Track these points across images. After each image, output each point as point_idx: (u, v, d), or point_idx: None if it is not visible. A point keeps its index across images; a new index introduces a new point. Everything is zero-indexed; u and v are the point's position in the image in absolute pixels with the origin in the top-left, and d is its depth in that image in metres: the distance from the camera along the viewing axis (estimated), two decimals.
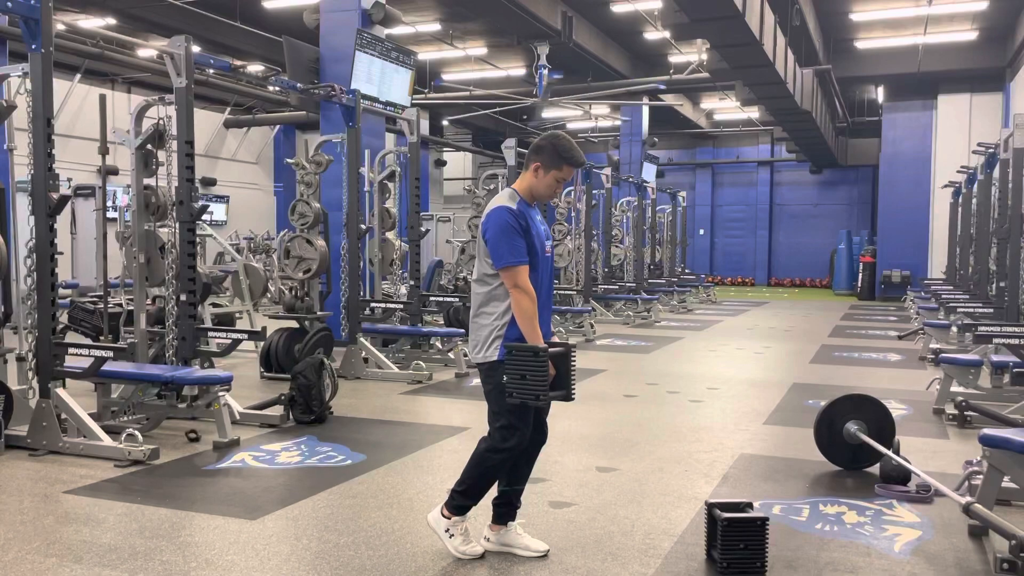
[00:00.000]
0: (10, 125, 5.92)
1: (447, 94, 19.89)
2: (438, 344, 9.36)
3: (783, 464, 5.25)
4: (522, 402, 3.38)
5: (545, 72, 15.36)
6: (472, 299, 3.65)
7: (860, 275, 22.27)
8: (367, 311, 9.03)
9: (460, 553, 3.59)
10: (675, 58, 18.12)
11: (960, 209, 15.42)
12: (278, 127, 23.15)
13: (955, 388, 6.74)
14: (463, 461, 5.22)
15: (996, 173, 10.67)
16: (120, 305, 7.93)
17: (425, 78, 18.89)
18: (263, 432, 5.98)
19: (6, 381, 5.62)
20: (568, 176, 3.62)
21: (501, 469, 3.60)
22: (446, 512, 3.64)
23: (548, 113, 24.27)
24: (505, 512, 3.68)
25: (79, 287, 12.18)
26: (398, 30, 13.61)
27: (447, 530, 3.62)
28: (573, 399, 3.53)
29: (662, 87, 18.14)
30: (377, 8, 10.36)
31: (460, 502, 3.62)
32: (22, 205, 5.70)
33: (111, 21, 14.70)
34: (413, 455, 5.38)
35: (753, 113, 23.46)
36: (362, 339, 8.41)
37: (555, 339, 3.60)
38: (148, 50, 15.75)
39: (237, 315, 10.81)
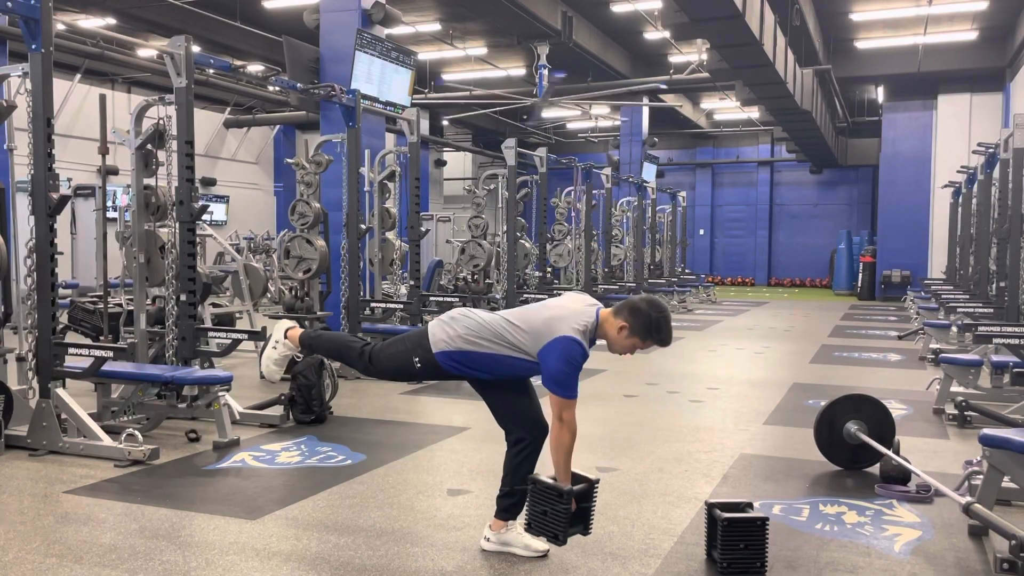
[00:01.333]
0: (10, 125, 5.92)
1: (447, 94, 19.89)
2: None
3: (783, 464, 5.25)
4: (539, 536, 3.45)
5: (545, 72, 15.36)
6: (487, 319, 3.57)
7: (860, 275, 22.27)
8: (367, 311, 9.03)
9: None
10: (675, 58, 18.12)
11: (960, 209, 15.41)
12: (278, 127, 23.15)
13: (955, 388, 6.74)
14: (463, 461, 5.26)
15: (996, 173, 10.67)
16: (120, 305, 7.93)
17: (425, 78, 18.89)
18: (263, 432, 5.99)
19: (6, 381, 5.62)
20: (647, 348, 3.57)
21: (348, 364, 3.89)
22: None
23: (548, 113, 24.26)
24: (509, 508, 3.67)
25: (79, 287, 12.17)
26: (398, 30, 13.61)
27: (276, 342, 3.85)
28: (589, 534, 3.56)
29: (663, 87, 18.14)
30: (377, 8, 10.36)
31: (310, 343, 3.92)
32: (22, 205, 5.70)
33: (111, 21, 14.70)
34: (413, 455, 5.38)
35: (753, 113, 23.46)
36: None
37: (580, 472, 3.54)
38: (148, 50, 15.76)
39: (237, 315, 10.81)
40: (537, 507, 3.40)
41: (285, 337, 3.90)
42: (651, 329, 3.49)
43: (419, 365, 3.61)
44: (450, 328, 3.58)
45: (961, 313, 10.06)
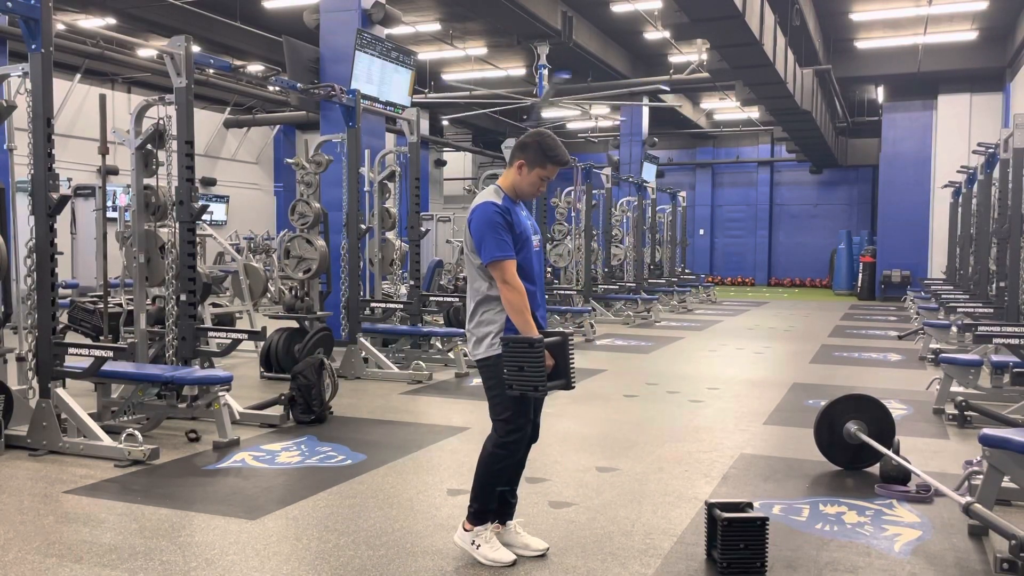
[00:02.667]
0: (10, 125, 5.92)
1: (447, 94, 19.89)
2: (438, 344, 9.36)
3: (783, 464, 5.25)
4: (522, 394, 3.37)
5: (545, 72, 15.35)
6: (467, 296, 3.65)
7: (860, 275, 22.27)
8: (367, 311, 9.03)
9: (490, 561, 3.53)
10: (675, 58, 18.12)
11: (960, 209, 15.42)
12: (278, 127, 23.15)
13: (955, 388, 6.74)
14: (463, 461, 5.26)
15: (996, 173, 10.67)
16: (120, 305, 7.94)
17: (425, 78, 18.89)
18: (263, 432, 5.98)
19: (6, 381, 5.62)
20: (552, 175, 3.60)
21: (509, 466, 3.58)
22: (467, 525, 3.64)
23: (549, 113, 24.27)
24: (502, 511, 3.66)
25: (79, 287, 12.18)
26: (398, 30, 13.61)
27: (473, 542, 3.58)
28: (573, 387, 3.53)
29: (665, 88, 18.12)
30: (377, 8, 10.36)
31: (477, 508, 3.60)
32: (22, 205, 5.70)
33: (111, 21, 14.70)
34: (413, 455, 5.38)
35: (753, 113, 23.46)
36: (362, 339, 8.41)
37: (551, 331, 3.58)
38: (148, 50, 15.76)
39: (237, 315, 10.81)
40: (513, 367, 3.35)
41: (467, 532, 3.62)
42: (543, 151, 3.54)
43: (520, 368, 3.38)
44: (478, 331, 3.54)
45: (961, 313, 10.06)
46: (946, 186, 17.39)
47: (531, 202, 14.64)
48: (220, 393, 5.64)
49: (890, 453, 4.79)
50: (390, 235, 10.23)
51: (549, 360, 3.39)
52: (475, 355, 3.59)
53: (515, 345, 3.37)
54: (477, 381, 8.14)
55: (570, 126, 26.96)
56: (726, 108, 24.14)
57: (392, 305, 9.35)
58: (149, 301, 6.92)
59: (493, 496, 3.59)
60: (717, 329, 13.72)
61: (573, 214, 15.34)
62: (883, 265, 21.03)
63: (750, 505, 3.63)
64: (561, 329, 3.56)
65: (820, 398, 6.76)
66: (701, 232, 28.49)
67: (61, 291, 6.10)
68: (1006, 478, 3.99)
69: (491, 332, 3.51)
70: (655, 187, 20.17)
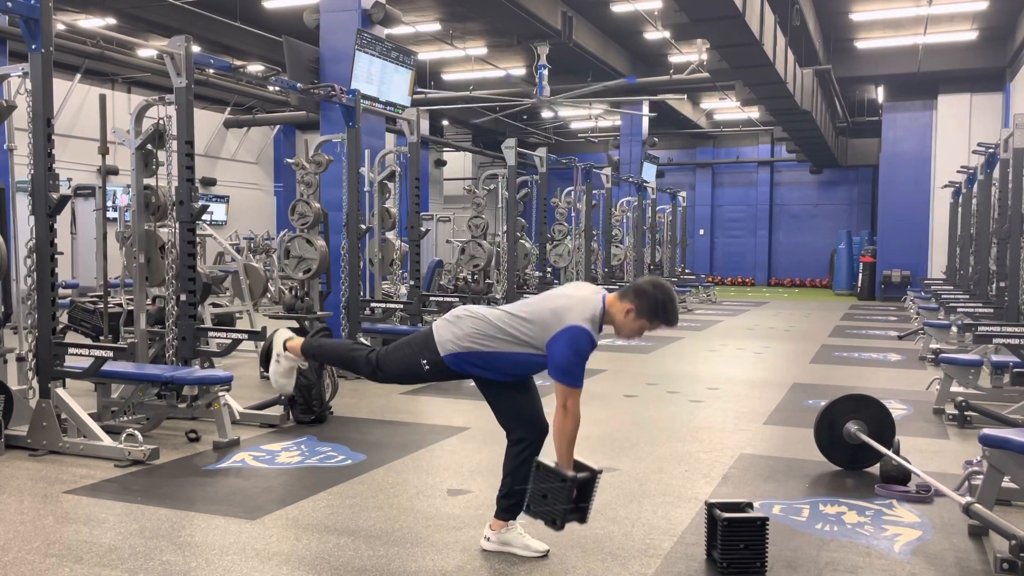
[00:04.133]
0: (10, 125, 5.92)
1: (447, 94, 19.89)
2: None
3: (783, 464, 5.25)
4: (536, 518, 3.46)
5: (545, 72, 15.35)
6: (509, 320, 3.53)
7: (860, 275, 22.27)
8: (367, 311, 9.02)
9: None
10: (675, 58, 18.11)
11: (960, 209, 15.42)
12: (278, 127, 23.15)
13: (955, 388, 6.74)
14: (463, 461, 5.26)
15: (996, 173, 10.67)
16: (120, 305, 7.93)
17: (425, 78, 18.88)
18: (263, 432, 5.98)
19: (6, 381, 5.62)
20: (655, 330, 3.56)
21: (356, 372, 3.84)
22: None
23: (549, 113, 24.26)
24: (509, 508, 3.66)
25: (79, 287, 12.17)
26: (398, 30, 13.60)
27: (278, 356, 3.83)
28: (586, 523, 3.56)
29: (651, 97, 18.10)
30: (377, 8, 10.36)
31: (313, 352, 3.87)
32: (22, 205, 5.70)
33: (111, 21, 14.70)
34: (413, 455, 5.38)
35: (753, 113, 23.45)
36: (362, 339, 8.41)
37: (584, 461, 3.54)
38: (148, 50, 15.76)
39: (237, 315, 10.81)
40: (538, 489, 3.39)
41: (285, 349, 3.90)
42: (658, 310, 3.49)
43: (427, 367, 3.59)
44: (456, 328, 3.56)
45: (961, 313, 10.06)
46: (946, 186, 17.39)
47: (534, 207, 14.67)
48: (220, 393, 5.64)
49: (890, 453, 4.79)
50: (390, 235, 10.23)
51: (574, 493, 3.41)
52: (437, 327, 3.60)
53: (546, 474, 3.38)
54: None
55: (570, 126, 26.95)
56: (726, 108, 24.13)
57: (392, 305, 9.35)
58: (149, 301, 6.92)
59: (326, 362, 3.93)
60: (717, 329, 13.72)
61: (573, 214, 15.34)
62: (883, 265, 21.03)
63: (750, 505, 3.63)
64: (592, 465, 3.52)
65: (820, 398, 6.76)
66: (701, 232, 28.49)
67: (61, 291, 6.10)
68: (1006, 478, 3.99)
69: (465, 344, 3.51)
70: (655, 187, 20.17)
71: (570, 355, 3.39)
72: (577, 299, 3.50)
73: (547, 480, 3.38)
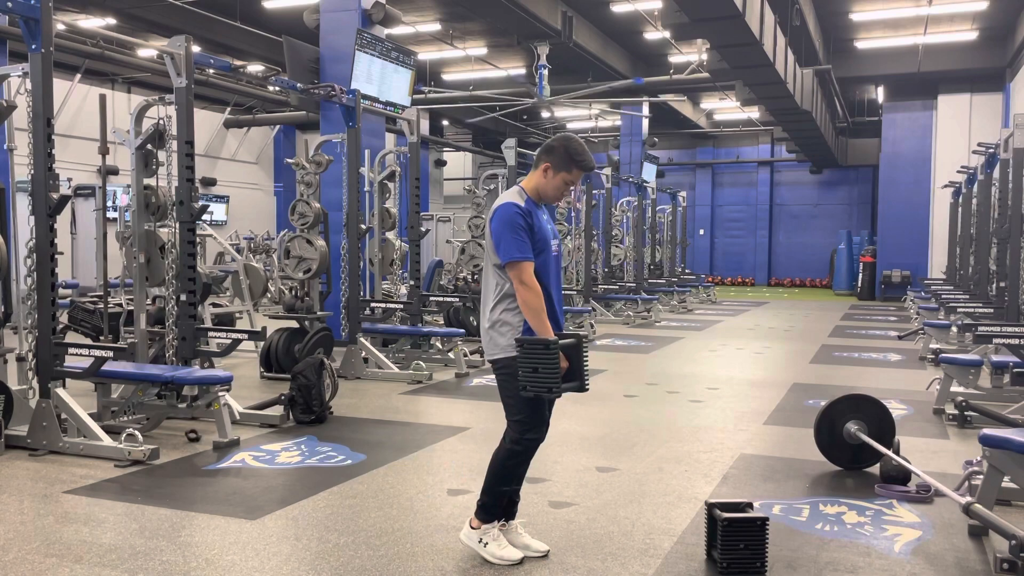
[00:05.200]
0: (10, 125, 5.92)
1: (447, 94, 19.89)
2: (438, 344, 9.35)
3: (783, 464, 5.25)
4: (536, 395, 3.38)
5: (545, 72, 15.35)
6: (482, 296, 3.64)
7: (860, 275, 22.27)
8: (367, 311, 9.03)
9: (498, 559, 3.53)
10: (675, 58, 18.12)
11: (960, 209, 15.42)
12: (278, 127, 23.15)
13: (955, 388, 6.74)
14: (463, 461, 5.26)
15: (996, 173, 10.67)
16: (120, 305, 7.94)
17: (425, 78, 18.89)
18: (263, 432, 5.98)
19: (6, 381, 5.62)
20: (577, 179, 3.60)
21: (522, 464, 3.58)
22: (474, 523, 3.63)
23: (549, 113, 24.27)
24: (506, 510, 3.66)
25: (79, 287, 12.18)
26: (398, 30, 13.61)
27: (480, 540, 3.57)
28: (587, 389, 3.52)
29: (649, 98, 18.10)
30: (377, 8, 10.36)
31: (486, 503, 3.60)
32: (22, 205, 5.70)
33: (111, 21, 14.71)
34: (413, 455, 5.38)
35: (753, 113, 23.46)
36: (362, 339, 8.41)
37: (566, 332, 3.57)
38: (148, 50, 15.76)
39: (237, 315, 10.81)
40: (528, 368, 3.35)
41: (474, 529, 3.62)
42: (571, 155, 3.54)
43: (529, 371, 3.37)
44: (500, 328, 3.51)
45: (961, 313, 10.07)
46: (946, 186, 17.40)
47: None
48: (220, 393, 5.64)
49: (890, 453, 4.79)
50: (390, 235, 10.23)
51: (564, 362, 3.39)
52: (490, 355, 3.57)
53: (530, 346, 3.36)
54: (477, 381, 8.14)
55: (570, 126, 26.97)
56: (726, 108, 24.14)
57: (392, 305, 9.35)
58: (149, 301, 6.92)
59: (504, 494, 3.59)
60: (717, 329, 13.72)
61: (573, 214, 15.34)
62: (883, 265, 21.03)
63: (750, 505, 3.63)
64: (576, 331, 3.52)
65: (820, 398, 6.76)
66: (701, 232, 28.49)
67: (61, 291, 6.11)
68: (1006, 478, 3.99)
69: (507, 332, 3.50)
70: (655, 187, 20.16)
71: (502, 227, 3.45)
72: (495, 203, 3.60)
73: (532, 353, 3.35)
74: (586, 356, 3.48)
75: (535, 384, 3.35)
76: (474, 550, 3.61)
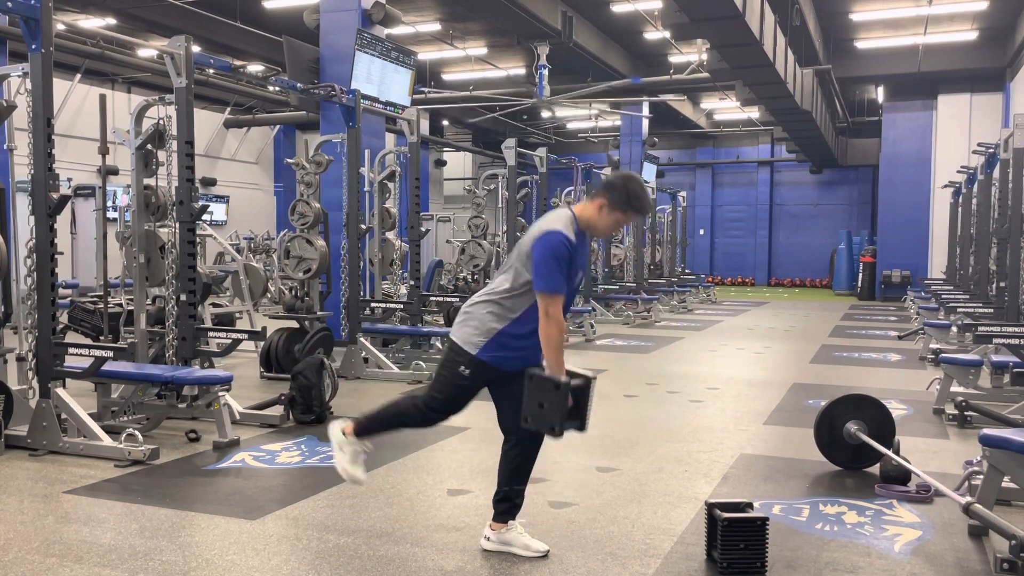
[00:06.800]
0: (10, 125, 5.92)
1: (447, 94, 19.89)
2: (438, 344, 9.36)
3: (783, 464, 5.25)
4: (537, 430, 3.40)
5: (545, 72, 15.35)
6: (488, 286, 3.62)
7: (860, 275, 22.27)
8: (367, 311, 9.03)
9: (342, 470, 3.71)
10: (675, 58, 18.11)
11: (960, 209, 15.42)
12: (278, 127, 23.15)
13: (955, 388, 6.74)
14: (463, 461, 5.26)
15: (996, 173, 10.67)
16: (120, 305, 7.94)
17: (425, 78, 18.89)
18: (263, 432, 5.98)
19: (6, 381, 5.62)
20: (630, 221, 3.61)
21: (410, 425, 3.79)
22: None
23: (549, 113, 24.26)
24: (507, 511, 3.67)
25: (79, 287, 12.18)
26: (398, 30, 13.60)
27: (340, 445, 3.76)
28: (586, 430, 3.52)
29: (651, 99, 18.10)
30: (377, 8, 10.36)
31: (366, 426, 3.79)
32: (22, 205, 5.70)
33: (111, 21, 14.71)
34: (413, 455, 5.38)
35: (753, 113, 23.45)
36: (362, 339, 8.41)
37: (576, 369, 3.53)
38: (148, 50, 15.76)
39: (237, 315, 10.81)
40: (534, 401, 3.36)
41: (344, 436, 3.78)
42: (630, 199, 3.52)
43: (468, 372, 3.51)
44: (471, 321, 3.54)
45: (961, 313, 10.06)
46: (946, 186, 17.39)
47: (534, 207, 14.68)
48: (220, 393, 5.64)
49: (890, 453, 4.79)
50: (390, 235, 10.23)
51: (570, 401, 3.38)
52: (453, 333, 3.59)
53: (539, 382, 3.35)
54: None
55: (570, 126, 26.96)
56: (726, 108, 24.13)
57: (392, 305, 9.35)
58: (149, 301, 6.92)
59: (381, 431, 3.80)
60: (717, 329, 13.72)
61: None
62: (883, 265, 21.02)
63: (750, 505, 3.63)
64: (585, 372, 3.50)
65: (820, 398, 6.76)
66: (701, 232, 28.48)
67: (61, 291, 6.10)
68: (1006, 478, 3.99)
69: (483, 333, 3.50)
70: (655, 187, 20.16)
71: (547, 256, 3.40)
72: (545, 221, 3.57)
73: (541, 389, 3.34)
74: (591, 398, 3.47)
75: (538, 419, 3.36)
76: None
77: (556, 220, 3.52)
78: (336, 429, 3.80)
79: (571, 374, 3.44)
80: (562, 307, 3.43)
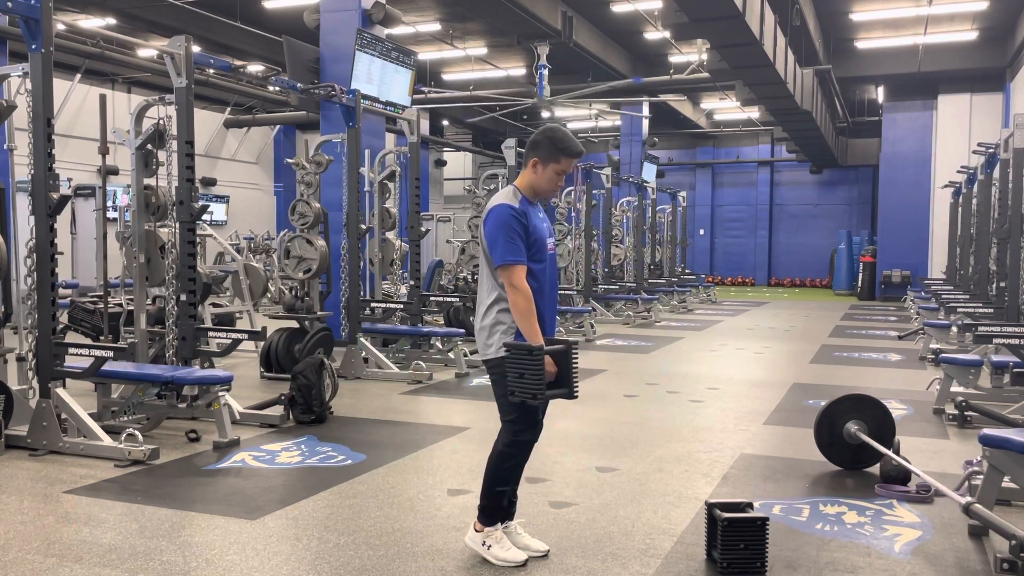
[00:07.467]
0: (10, 125, 5.93)
1: (447, 94, 19.90)
2: (438, 344, 9.36)
3: (783, 464, 5.25)
4: (522, 400, 3.37)
5: (545, 72, 15.35)
6: (478, 295, 3.63)
7: (860, 275, 22.27)
8: (367, 311, 9.03)
9: (502, 561, 3.51)
10: (675, 58, 18.12)
11: (960, 209, 15.42)
12: (278, 127, 23.15)
13: (955, 388, 6.74)
14: (463, 461, 5.26)
15: (996, 173, 10.67)
16: (120, 305, 7.94)
17: (425, 78, 18.89)
18: (263, 432, 5.98)
19: (6, 381, 5.62)
20: (568, 168, 3.58)
21: (518, 466, 3.57)
22: (478, 526, 3.63)
23: (549, 112, 24.26)
24: (505, 512, 3.66)
25: (79, 287, 12.18)
26: (398, 30, 13.61)
27: (484, 543, 3.56)
28: (575, 397, 3.50)
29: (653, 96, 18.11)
30: (377, 8, 10.36)
31: (486, 506, 3.58)
32: (22, 205, 5.70)
33: (111, 21, 14.71)
34: (413, 455, 5.38)
35: (753, 113, 23.46)
36: (362, 339, 8.41)
37: (557, 337, 3.56)
38: (148, 50, 15.77)
39: (237, 315, 10.82)
40: (515, 373, 3.34)
41: (485, 546, 3.57)
42: (555, 146, 3.52)
43: (522, 374, 3.36)
44: (492, 332, 3.50)
45: (961, 313, 10.06)
46: (946, 186, 17.39)
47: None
48: (220, 393, 5.64)
49: (890, 453, 4.79)
50: (390, 235, 10.23)
51: (552, 368, 3.37)
52: (483, 355, 3.57)
53: (516, 351, 3.35)
54: (477, 381, 8.14)
55: (570, 126, 26.98)
56: (726, 108, 24.14)
57: (392, 305, 9.35)
58: (149, 301, 6.92)
59: (503, 495, 3.57)
60: (717, 329, 13.72)
61: (573, 214, 15.34)
62: (883, 265, 21.03)
63: (750, 505, 3.63)
64: (566, 337, 3.51)
65: (820, 398, 6.76)
66: (701, 232, 28.49)
67: (61, 291, 6.10)
68: (1006, 478, 3.99)
69: (499, 333, 3.49)
70: (655, 187, 20.16)
71: (496, 229, 3.43)
72: (489, 203, 3.57)
73: (519, 358, 3.33)
74: (575, 363, 3.45)
75: (521, 389, 3.34)
76: (478, 552, 3.61)
77: (497, 197, 3.57)
78: (470, 536, 3.64)
79: (549, 341, 3.44)
80: (532, 277, 3.42)
